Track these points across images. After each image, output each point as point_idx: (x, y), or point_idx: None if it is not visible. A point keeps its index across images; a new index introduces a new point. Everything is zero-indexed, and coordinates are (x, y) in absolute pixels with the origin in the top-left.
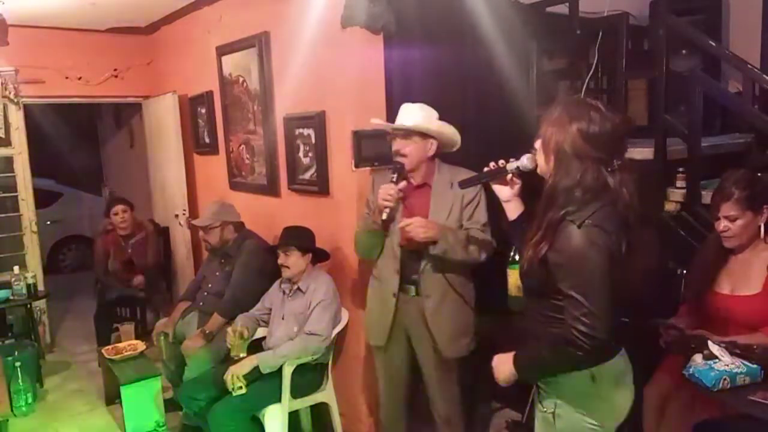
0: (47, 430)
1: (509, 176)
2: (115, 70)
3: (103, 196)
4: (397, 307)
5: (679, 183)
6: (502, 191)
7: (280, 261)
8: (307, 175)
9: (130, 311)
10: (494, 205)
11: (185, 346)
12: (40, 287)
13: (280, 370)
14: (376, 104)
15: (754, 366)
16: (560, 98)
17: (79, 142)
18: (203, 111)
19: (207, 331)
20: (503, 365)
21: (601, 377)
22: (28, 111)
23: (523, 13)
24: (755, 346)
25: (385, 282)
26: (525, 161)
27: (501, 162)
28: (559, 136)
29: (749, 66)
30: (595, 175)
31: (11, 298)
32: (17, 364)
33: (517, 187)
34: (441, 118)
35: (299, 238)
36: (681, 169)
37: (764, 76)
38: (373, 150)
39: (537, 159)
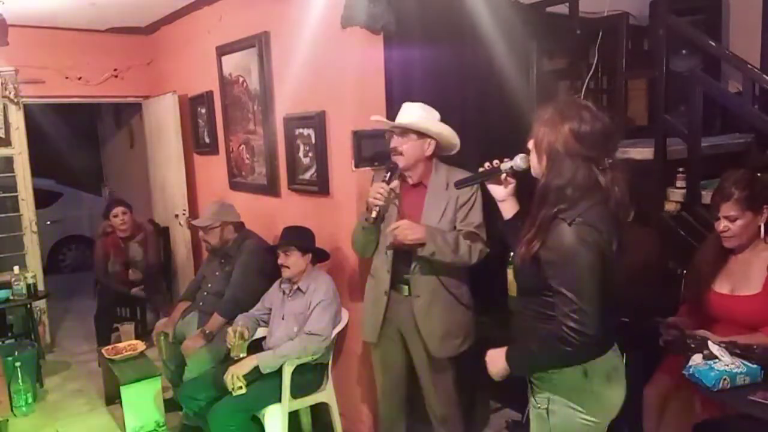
0: (47, 430)
1: (503, 176)
2: (115, 70)
3: (103, 196)
4: (390, 305)
5: (679, 183)
6: (497, 191)
7: (280, 261)
8: (307, 175)
9: (130, 311)
10: (490, 205)
11: (185, 346)
12: (40, 287)
13: (280, 370)
14: (376, 104)
15: (754, 366)
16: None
17: (79, 142)
18: (203, 111)
19: (207, 331)
20: (496, 359)
21: (593, 373)
22: (28, 111)
23: (523, 13)
24: (755, 346)
25: (378, 280)
26: (518, 161)
27: (495, 162)
28: (551, 136)
29: (749, 66)
30: (586, 174)
31: (11, 298)
32: (17, 364)
33: (511, 186)
34: (441, 118)
35: (299, 238)
36: (681, 169)
37: (764, 76)
38: (373, 150)
39: (530, 159)
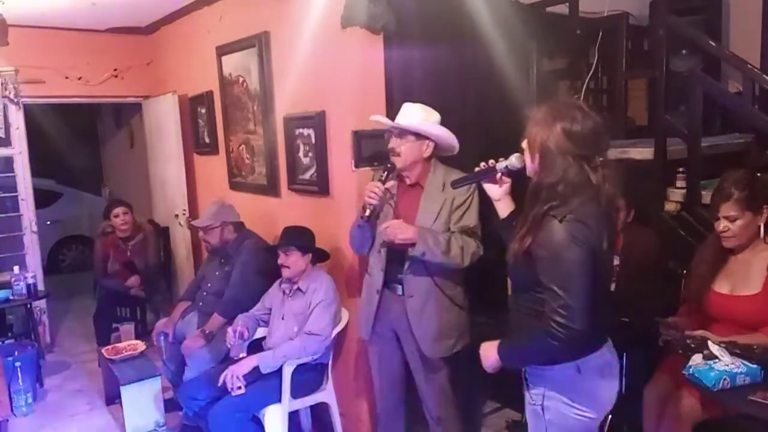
0: (47, 430)
1: (498, 175)
2: (115, 70)
3: (103, 196)
4: (384, 304)
5: (679, 183)
6: (493, 190)
7: (280, 261)
8: (307, 175)
9: (130, 311)
10: (486, 206)
11: (185, 346)
12: (40, 287)
13: (280, 370)
14: (376, 104)
15: (754, 366)
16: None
17: (79, 142)
18: (203, 111)
19: (207, 331)
20: (489, 352)
21: (586, 369)
22: (28, 111)
23: (523, 13)
24: (755, 346)
25: (373, 277)
26: (513, 160)
27: (491, 162)
28: (543, 135)
29: (749, 66)
30: (578, 172)
31: (11, 298)
32: (17, 364)
33: (506, 185)
34: (441, 118)
35: (299, 238)
36: (681, 169)
37: (764, 76)
38: (373, 150)
39: (525, 158)
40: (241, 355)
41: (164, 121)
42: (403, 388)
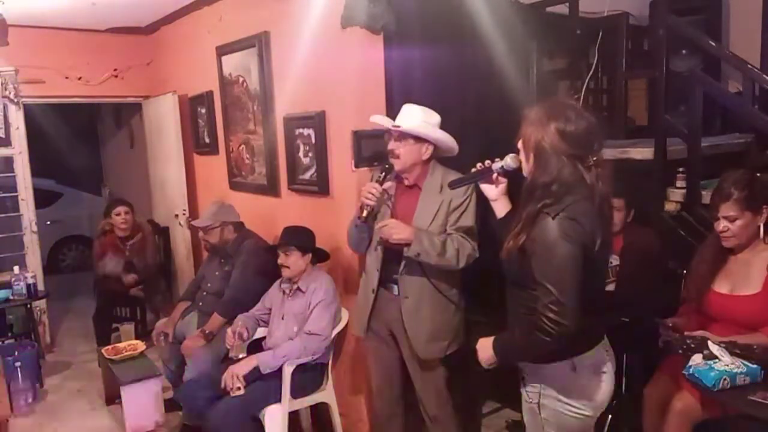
0: (47, 430)
1: (495, 175)
2: (115, 70)
3: (103, 196)
4: (379, 304)
5: (679, 183)
6: (489, 190)
7: (280, 261)
8: (307, 175)
9: (130, 311)
10: (484, 207)
11: (185, 346)
12: (40, 287)
13: (280, 370)
14: (376, 104)
15: (754, 366)
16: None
17: (79, 142)
18: (203, 111)
19: (207, 331)
20: (485, 348)
21: (581, 367)
22: (28, 111)
23: (523, 13)
24: (755, 346)
25: (369, 276)
26: (509, 160)
27: (487, 162)
28: (538, 135)
29: (749, 66)
30: (571, 171)
31: (11, 298)
32: (17, 364)
33: (502, 186)
34: (441, 118)
35: (299, 238)
36: (681, 169)
37: (764, 76)
38: (373, 150)
39: (521, 158)
40: (241, 356)
41: (164, 121)
42: (400, 386)
